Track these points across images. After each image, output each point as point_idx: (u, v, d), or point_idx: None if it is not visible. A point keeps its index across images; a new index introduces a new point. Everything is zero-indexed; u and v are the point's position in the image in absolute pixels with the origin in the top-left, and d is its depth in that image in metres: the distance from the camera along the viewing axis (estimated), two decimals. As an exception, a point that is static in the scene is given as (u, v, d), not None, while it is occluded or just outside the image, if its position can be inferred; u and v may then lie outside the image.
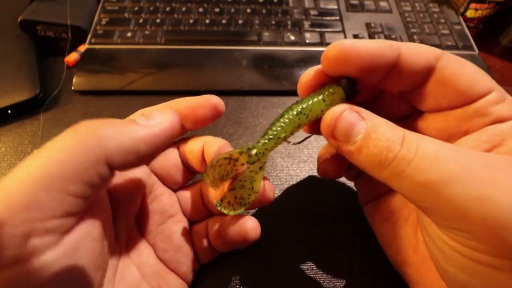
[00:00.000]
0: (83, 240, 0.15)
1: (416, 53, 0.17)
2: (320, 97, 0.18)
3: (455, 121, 0.18)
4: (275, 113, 0.35)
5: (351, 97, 0.18)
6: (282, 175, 0.30)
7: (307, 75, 0.19)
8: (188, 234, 0.22)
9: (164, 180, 0.22)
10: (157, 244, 0.21)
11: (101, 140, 0.14)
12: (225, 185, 0.20)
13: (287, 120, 0.18)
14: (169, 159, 0.22)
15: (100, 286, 0.17)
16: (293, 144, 0.20)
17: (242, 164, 0.19)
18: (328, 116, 0.17)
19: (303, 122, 0.18)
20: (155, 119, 0.17)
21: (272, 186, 0.20)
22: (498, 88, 0.17)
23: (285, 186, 0.29)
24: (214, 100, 0.20)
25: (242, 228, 0.19)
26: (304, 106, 0.18)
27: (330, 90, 0.18)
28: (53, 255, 0.13)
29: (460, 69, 0.17)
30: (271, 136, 0.18)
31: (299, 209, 0.27)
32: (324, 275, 0.24)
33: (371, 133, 0.16)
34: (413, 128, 0.20)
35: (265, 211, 0.27)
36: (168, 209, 0.21)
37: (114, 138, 0.15)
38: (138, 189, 0.20)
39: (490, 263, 0.14)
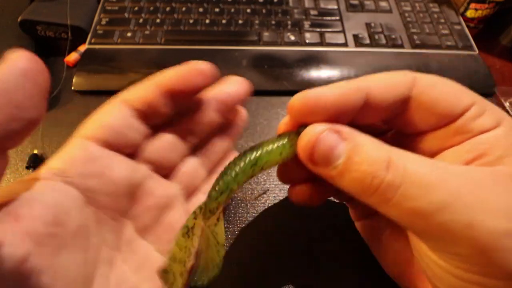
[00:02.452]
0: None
1: (385, 88, 0.17)
2: (277, 150, 0.17)
3: (437, 140, 0.18)
4: (275, 113, 0.35)
5: None
6: (282, 175, 0.30)
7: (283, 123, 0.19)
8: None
9: (160, 169, 0.20)
10: (161, 237, 0.19)
11: None
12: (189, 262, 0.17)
13: (240, 172, 0.17)
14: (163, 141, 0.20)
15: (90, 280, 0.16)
16: (248, 201, 0.18)
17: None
18: (305, 139, 0.16)
19: (257, 172, 0.17)
20: None
21: None
22: (479, 99, 0.17)
23: (285, 188, 0.29)
24: (201, 66, 0.20)
25: None
26: (259, 157, 0.17)
27: (288, 142, 0.17)
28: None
29: (436, 93, 0.17)
30: (223, 189, 0.17)
31: (299, 210, 0.27)
32: (319, 282, 0.24)
33: (353, 156, 0.15)
34: (397, 144, 0.20)
35: (264, 213, 0.27)
36: (162, 202, 0.19)
37: None
38: (117, 190, 0.18)
39: (480, 283, 0.14)
